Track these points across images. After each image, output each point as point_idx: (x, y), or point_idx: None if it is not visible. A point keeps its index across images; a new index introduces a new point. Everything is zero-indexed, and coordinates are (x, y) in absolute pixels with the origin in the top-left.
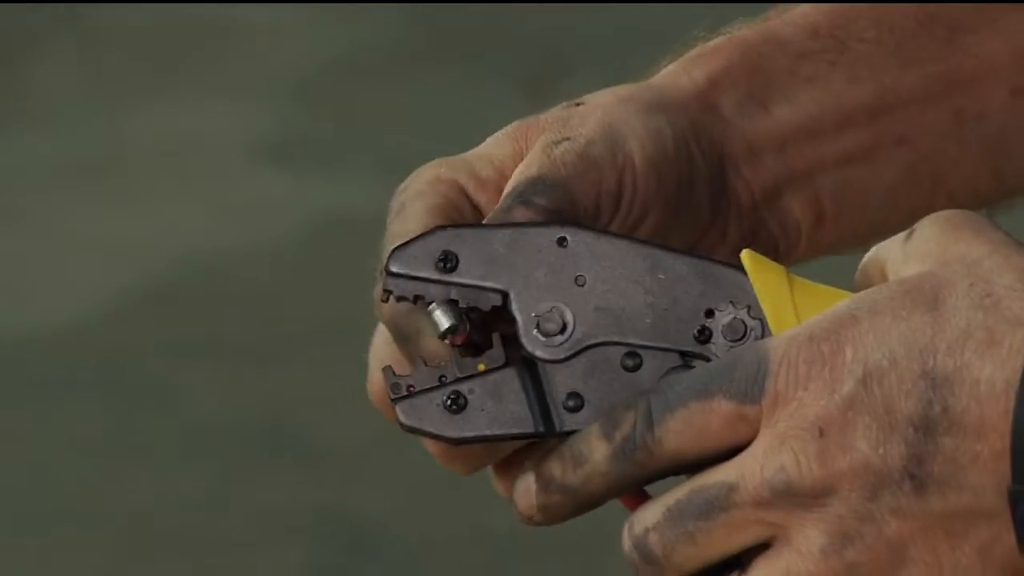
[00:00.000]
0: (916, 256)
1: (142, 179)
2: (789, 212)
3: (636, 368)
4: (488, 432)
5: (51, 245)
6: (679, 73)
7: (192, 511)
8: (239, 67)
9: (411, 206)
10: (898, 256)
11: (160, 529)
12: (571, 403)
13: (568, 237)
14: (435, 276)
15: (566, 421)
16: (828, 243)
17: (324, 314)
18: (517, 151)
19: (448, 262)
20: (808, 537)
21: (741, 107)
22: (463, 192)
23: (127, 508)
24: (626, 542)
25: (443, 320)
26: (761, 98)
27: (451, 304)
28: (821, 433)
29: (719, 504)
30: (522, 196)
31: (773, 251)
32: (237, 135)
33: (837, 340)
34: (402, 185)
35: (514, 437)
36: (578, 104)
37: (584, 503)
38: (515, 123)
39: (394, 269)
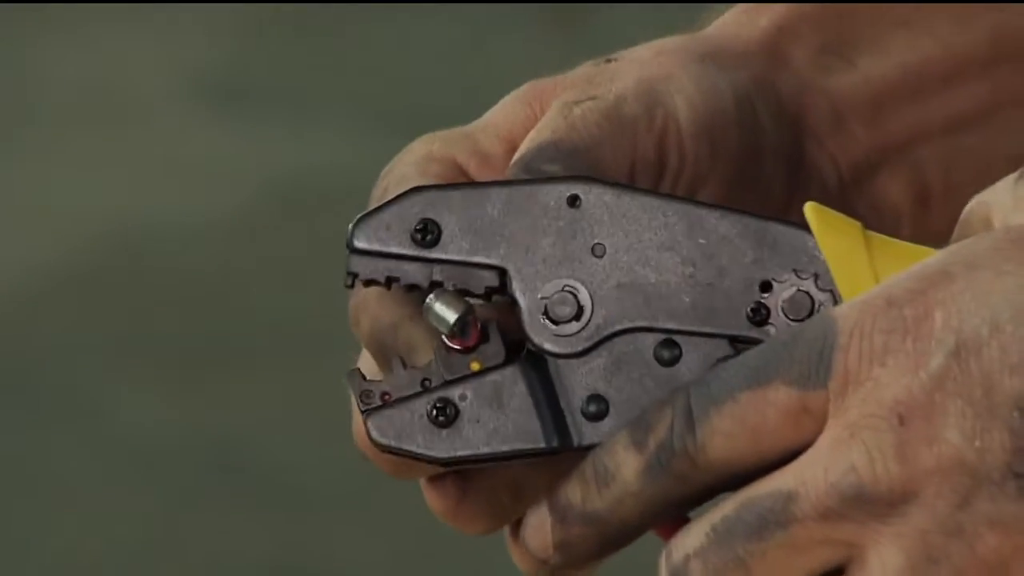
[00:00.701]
0: None
1: (57, 131)
2: (885, 193)
3: (674, 361)
4: (486, 450)
5: None
6: (739, 20)
7: (122, 557)
8: None
9: (395, 193)
10: (1007, 201)
11: None
12: (592, 408)
13: (581, 195)
14: (412, 251)
15: (586, 433)
16: (935, 229)
17: (286, 306)
18: (530, 117)
19: (428, 232)
20: (884, 559)
21: (818, 60)
22: (462, 173)
23: (40, 554)
24: (663, 572)
25: (447, 312)
26: (843, 48)
27: (450, 292)
28: (901, 421)
29: (775, 519)
30: (530, 165)
31: None
32: (177, 74)
33: (924, 303)
34: (387, 167)
35: (520, 455)
36: (609, 60)
37: (613, 535)
38: (527, 84)
39: (360, 245)
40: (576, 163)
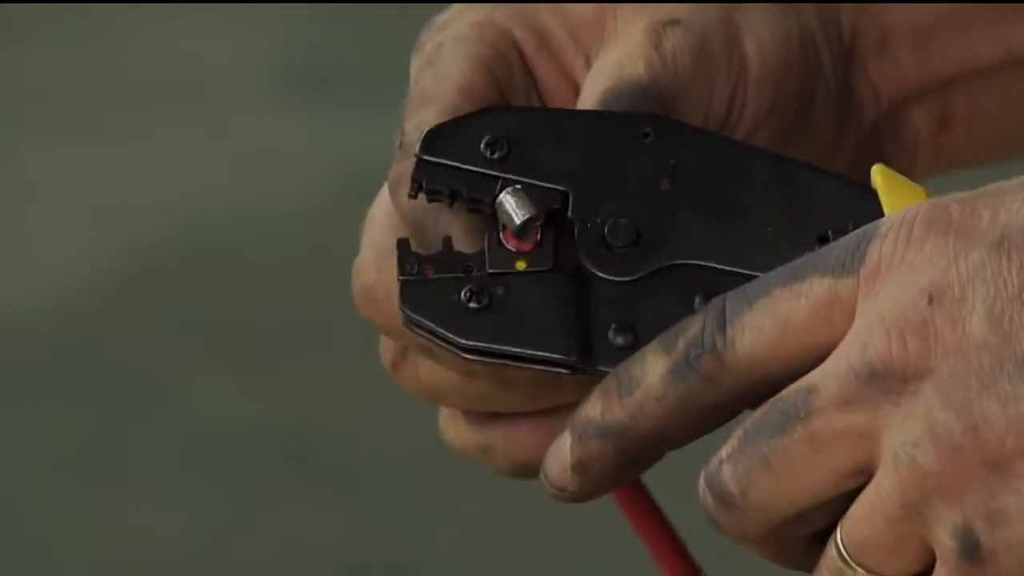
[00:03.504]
0: None
1: (129, 118)
2: (908, 119)
3: None
4: (504, 346)
5: (12, 203)
6: None
7: (197, 545)
8: None
9: (450, 53)
10: None
11: (157, 568)
12: (620, 339)
13: (653, 131)
14: (479, 168)
15: (608, 358)
16: (953, 157)
17: None
18: (599, 17)
19: (498, 149)
20: (892, 443)
21: None
22: (518, 50)
23: (113, 542)
24: (701, 485)
25: (518, 210)
26: None
27: (524, 191)
28: (930, 300)
29: (796, 413)
30: (618, 102)
31: None
32: (253, 60)
33: (972, 205)
34: (441, 17)
35: (539, 361)
36: None
37: (633, 449)
38: None
39: (429, 156)
40: (663, 108)
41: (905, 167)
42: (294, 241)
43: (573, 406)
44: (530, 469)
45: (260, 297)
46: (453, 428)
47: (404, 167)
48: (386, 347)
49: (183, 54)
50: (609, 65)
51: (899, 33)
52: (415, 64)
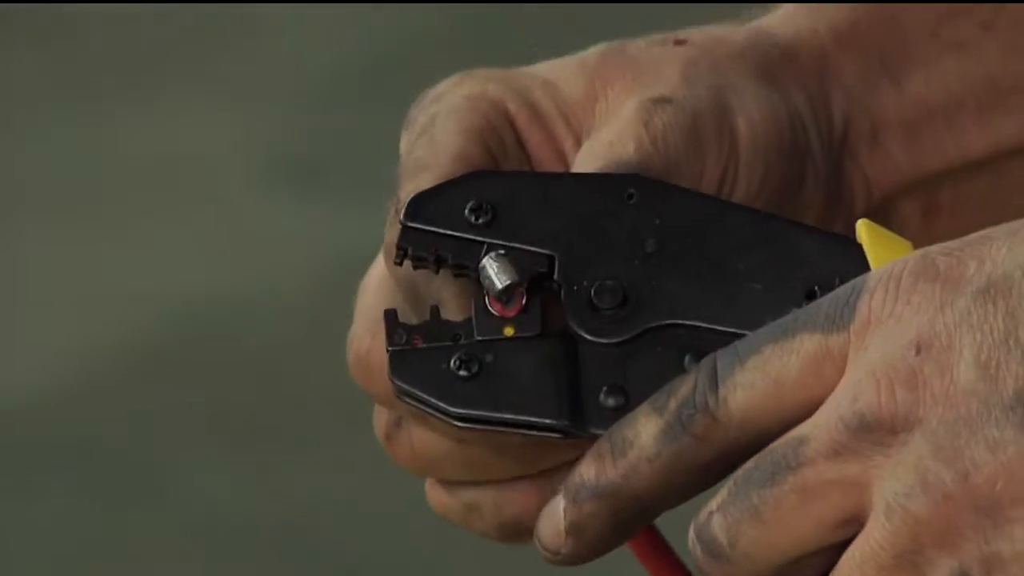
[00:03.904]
0: None
1: (128, 206)
2: (898, 214)
3: None
4: (496, 413)
5: (9, 290)
6: (799, 20)
7: None
8: (250, 65)
9: (443, 124)
10: None
11: None
12: (611, 401)
13: (636, 192)
14: (464, 233)
15: (600, 421)
16: (938, 241)
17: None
18: (590, 96)
19: (483, 214)
20: (884, 492)
21: (868, 76)
22: (509, 121)
23: None
24: (691, 536)
25: (499, 276)
26: (894, 66)
27: (508, 256)
28: (918, 351)
29: (787, 464)
30: None
31: None
32: (247, 151)
33: (959, 255)
34: (434, 90)
35: (531, 427)
36: (678, 42)
37: (626, 511)
38: (596, 53)
39: (413, 223)
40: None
41: None
42: (292, 328)
43: (561, 467)
44: (515, 529)
45: (258, 384)
46: (439, 490)
47: (398, 233)
48: (380, 417)
49: (182, 143)
50: (600, 145)
51: (891, 125)
52: (407, 136)
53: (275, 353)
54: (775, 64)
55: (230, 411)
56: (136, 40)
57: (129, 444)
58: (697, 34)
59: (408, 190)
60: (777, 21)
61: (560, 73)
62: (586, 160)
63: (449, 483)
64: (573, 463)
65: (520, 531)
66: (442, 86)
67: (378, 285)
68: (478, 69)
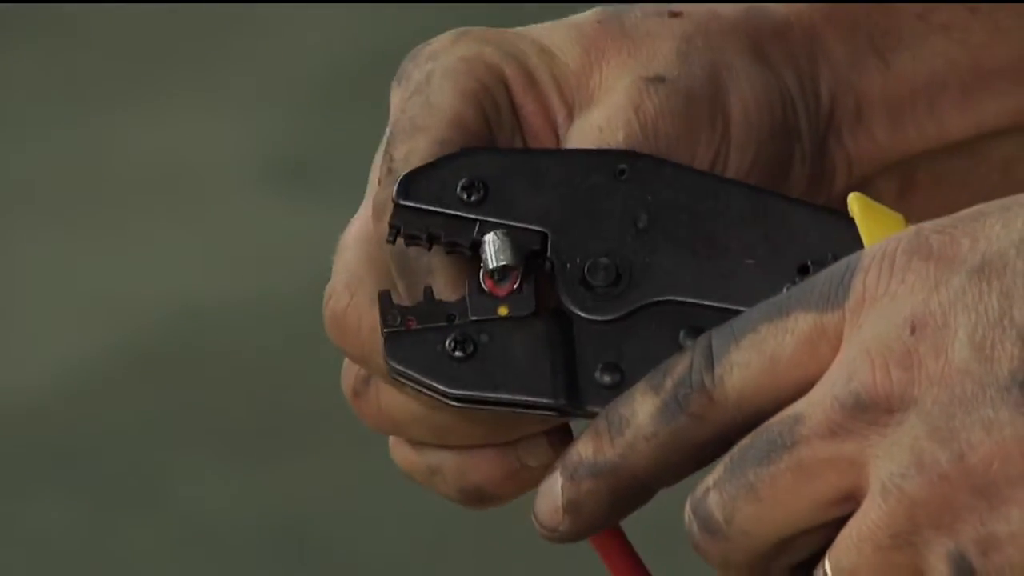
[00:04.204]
0: None
1: (125, 210)
2: (874, 190)
3: None
4: (492, 394)
5: (6, 295)
6: None
7: None
8: (250, 68)
9: (439, 85)
10: None
11: None
12: (607, 378)
13: (628, 167)
14: (457, 211)
15: (595, 399)
16: (912, 217)
17: None
18: (585, 68)
19: (475, 192)
20: (879, 473)
21: (856, 54)
22: (506, 88)
23: None
24: (687, 512)
25: (495, 255)
26: (881, 44)
27: (508, 235)
28: (913, 330)
29: (782, 442)
30: None
31: None
32: (247, 154)
33: (952, 232)
34: (428, 47)
35: (526, 407)
36: (674, 15)
37: (624, 488)
38: (592, 21)
39: (406, 201)
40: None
41: None
42: (291, 331)
43: (527, 438)
44: (477, 495)
45: (257, 387)
46: (403, 449)
47: (390, 193)
48: (348, 373)
49: (182, 145)
50: (590, 129)
51: (874, 104)
52: (399, 91)
53: (275, 355)
54: (768, 40)
55: (229, 413)
56: (136, 41)
57: (128, 447)
58: (693, 7)
59: (402, 151)
60: None
61: (556, 40)
62: (575, 146)
63: (415, 442)
64: (539, 435)
65: (482, 497)
66: (437, 43)
67: (357, 242)
68: (473, 28)
